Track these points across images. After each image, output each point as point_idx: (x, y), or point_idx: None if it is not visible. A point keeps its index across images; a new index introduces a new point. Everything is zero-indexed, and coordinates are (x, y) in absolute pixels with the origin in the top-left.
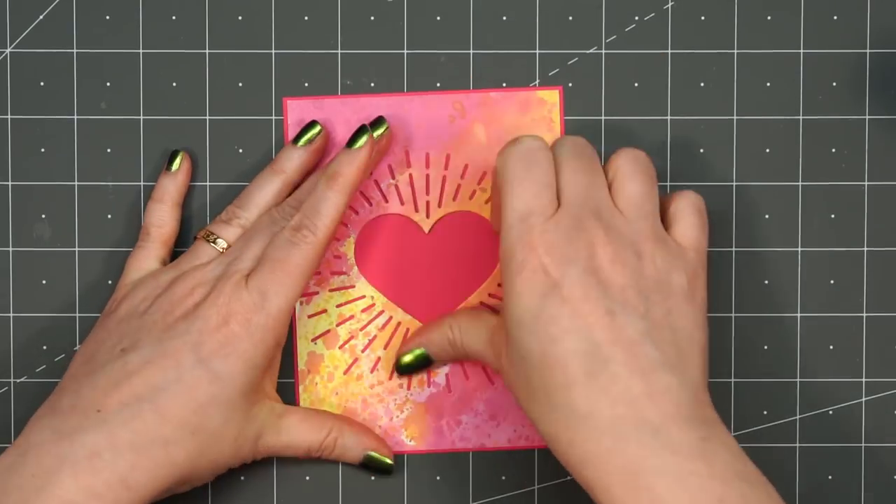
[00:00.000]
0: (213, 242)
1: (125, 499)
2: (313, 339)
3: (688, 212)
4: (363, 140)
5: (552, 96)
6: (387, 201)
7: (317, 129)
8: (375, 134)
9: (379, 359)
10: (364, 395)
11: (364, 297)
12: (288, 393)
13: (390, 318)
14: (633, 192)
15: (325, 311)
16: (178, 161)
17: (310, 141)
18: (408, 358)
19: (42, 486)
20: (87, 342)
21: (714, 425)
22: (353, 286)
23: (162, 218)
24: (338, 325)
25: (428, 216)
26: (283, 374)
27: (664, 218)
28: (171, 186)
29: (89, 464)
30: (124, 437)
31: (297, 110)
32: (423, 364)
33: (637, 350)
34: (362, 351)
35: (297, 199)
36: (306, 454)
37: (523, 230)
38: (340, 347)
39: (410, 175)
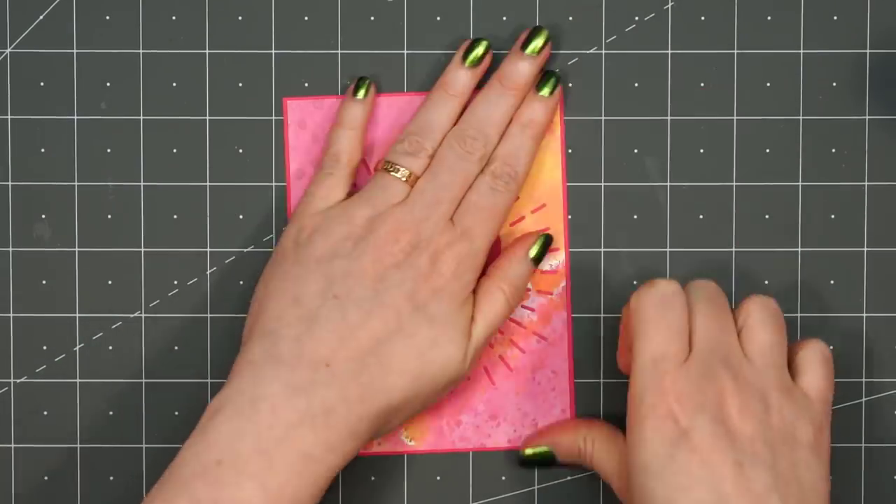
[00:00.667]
0: (396, 172)
1: (351, 448)
2: None
3: (815, 362)
4: (552, 83)
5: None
6: None
7: (483, 47)
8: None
9: None
10: None
11: None
12: None
13: None
14: (763, 341)
15: None
16: (365, 87)
17: (477, 61)
18: (530, 452)
19: (282, 437)
20: (281, 276)
21: None
22: None
23: (352, 145)
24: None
25: None
26: None
27: (791, 365)
28: (360, 112)
29: (325, 419)
30: (354, 391)
31: (297, 110)
32: (546, 462)
33: (765, 499)
34: None
35: (475, 127)
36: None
37: (655, 375)
38: None
39: None
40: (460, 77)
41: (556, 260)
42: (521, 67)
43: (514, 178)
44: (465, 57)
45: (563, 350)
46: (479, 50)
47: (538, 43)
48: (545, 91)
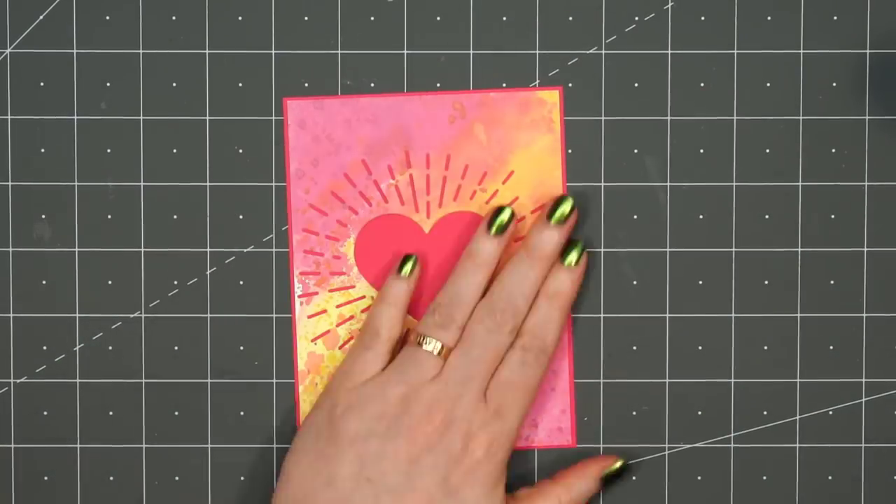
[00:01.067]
0: (429, 345)
1: None
2: (313, 340)
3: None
4: (577, 252)
5: (552, 96)
6: (387, 202)
7: (507, 214)
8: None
9: None
10: None
11: (364, 297)
12: (288, 393)
13: None
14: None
15: (325, 311)
16: (409, 265)
17: (503, 228)
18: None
19: None
20: (314, 453)
21: None
22: (353, 286)
23: (393, 320)
24: (338, 326)
25: (428, 216)
26: (283, 374)
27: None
28: (404, 291)
29: None
30: None
31: (298, 110)
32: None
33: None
34: None
35: (505, 300)
36: None
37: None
38: (340, 348)
39: (411, 175)
40: (487, 247)
41: None
42: (548, 237)
43: (543, 351)
44: (490, 225)
45: (563, 350)
46: (504, 217)
47: (564, 210)
48: (571, 260)
